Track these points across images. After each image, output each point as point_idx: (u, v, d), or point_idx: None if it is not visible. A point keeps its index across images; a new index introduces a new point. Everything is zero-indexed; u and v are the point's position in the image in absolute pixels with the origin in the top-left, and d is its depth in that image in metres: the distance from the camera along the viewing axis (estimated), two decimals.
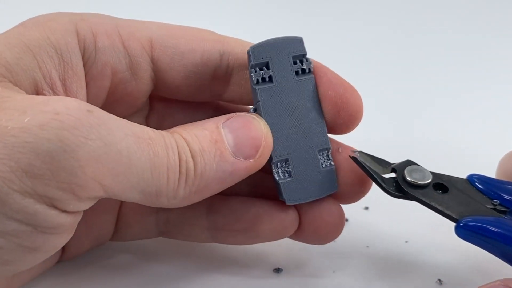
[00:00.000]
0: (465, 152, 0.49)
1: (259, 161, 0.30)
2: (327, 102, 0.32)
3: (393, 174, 0.32)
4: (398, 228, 0.39)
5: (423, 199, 0.31)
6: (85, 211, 0.28)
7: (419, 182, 0.31)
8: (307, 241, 0.34)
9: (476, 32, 0.64)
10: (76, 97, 0.30)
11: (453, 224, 0.31)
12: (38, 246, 0.26)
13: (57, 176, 0.25)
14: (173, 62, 0.32)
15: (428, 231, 0.39)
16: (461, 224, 0.29)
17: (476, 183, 0.32)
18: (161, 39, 0.32)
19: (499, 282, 0.28)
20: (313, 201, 0.33)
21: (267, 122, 0.31)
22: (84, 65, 0.30)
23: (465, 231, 0.29)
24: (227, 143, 0.29)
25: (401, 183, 0.31)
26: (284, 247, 0.37)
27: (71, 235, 0.28)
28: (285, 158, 0.32)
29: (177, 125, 0.30)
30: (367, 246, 0.38)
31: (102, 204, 0.30)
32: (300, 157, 0.32)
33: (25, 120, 0.24)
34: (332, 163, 0.33)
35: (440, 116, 0.55)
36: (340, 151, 0.34)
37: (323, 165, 0.33)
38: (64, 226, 0.26)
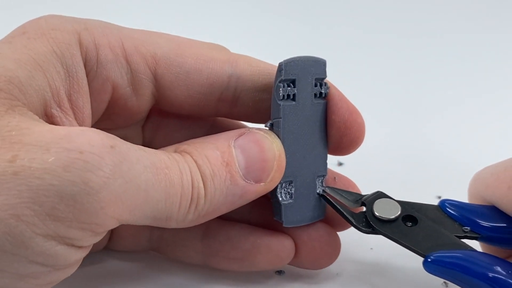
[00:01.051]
0: (463, 161, 0.48)
1: (270, 185, 0.30)
2: (331, 126, 0.32)
3: (363, 208, 0.32)
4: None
5: (391, 235, 0.31)
6: None
7: (387, 217, 0.31)
8: (302, 267, 0.34)
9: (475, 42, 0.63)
10: (82, 113, 0.29)
11: None
12: (51, 282, 0.26)
13: (79, 218, 0.25)
14: (177, 81, 0.31)
15: None
16: (428, 260, 0.30)
17: (448, 210, 0.32)
18: (166, 56, 0.31)
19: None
20: (311, 231, 0.33)
21: (284, 140, 0.31)
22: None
23: (432, 266, 0.30)
24: (237, 165, 0.29)
25: (370, 219, 0.31)
26: None
27: (79, 264, 0.28)
28: (290, 179, 0.32)
29: (171, 135, 0.30)
30: (371, 248, 0.38)
31: None
32: (302, 180, 0.32)
33: (49, 160, 0.24)
34: (326, 190, 0.33)
35: (437, 125, 0.54)
36: (336, 180, 0.34)
37: (318, 191, 0.33)
38: (79, 260, 0.27)
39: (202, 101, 0.32)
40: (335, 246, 0.33)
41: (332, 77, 0.33)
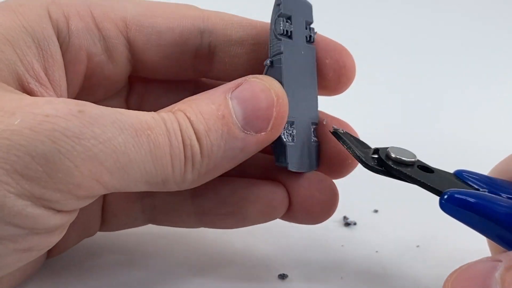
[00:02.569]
0: (475, 149, 0.48)
1: (272, 133, 0.29)
2: (327, 69, 0.32)
3: (375, 156, 0.31)
4: (409, 232, 0.39)
5: (407, 173, 0.29)
6: None
7: (404, 159, 0.30)
8: (299, 221, 0.33)
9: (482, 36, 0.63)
10: (60, 86, 0.29)
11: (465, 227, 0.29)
12: (32, 247, 0.26)
13: (54, 178, 0.24)
14: (150, 42, 0.31)
15: (440, 235, 0.39)
16: (445, 196, 0.27)
17: (466, 176, 0.30)
18: (136, 18, 0.31)
19: (487, 258, 0.26)
20: (302, 178, 0.32)
21: (286, 78, 0.30)
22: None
23: (450, 203, 0.27)
24: (235, 117, 0.28)
25: (385, 159, 0.30)
26: (289, 252, 0.37)
27: (64, 232, 0.28)
28: (291, 120, 0.31)
29: (157, 102, 0.30)
30: (377, 251, 0.38)
31: None
32: (301, 124, 0.31)
33: (15, 122, 0.24)
34: (317, 140, 0.32)
35: (451, 112, 0.54)
36: (324, 123, 0.33)
37: (312, 140, 0.32)
38: (59, 226, 0.26)
39: (178, 60, 0.32)
40: (329, 193, 0.32)
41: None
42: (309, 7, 0.32)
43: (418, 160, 0.30)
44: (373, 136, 0.34)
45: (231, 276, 0.34)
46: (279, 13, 0.30)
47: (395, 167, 0.29)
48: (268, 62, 0.30)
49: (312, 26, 0.32)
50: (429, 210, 0.32)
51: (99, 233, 0.35)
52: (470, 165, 0.33)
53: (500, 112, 0.54)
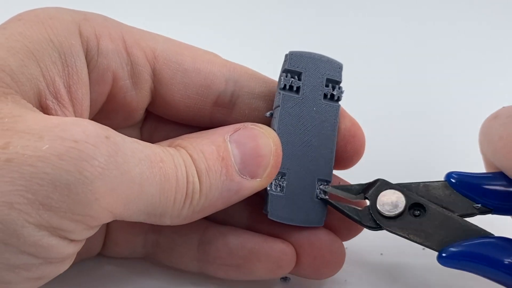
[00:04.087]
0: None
1: (266, 181, 0.30)
2: (347, 152, 0.33)
3: (367, 202, 0.32)
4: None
5: (400, 233, 0.31)
6: None
7: (393, 213, 0.31)
8: (305, 276, 0.34)
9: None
10: (81, 105, 0.29)
11: None
12: (44, 276, 0.26)
13: (74, 209, 0.24)
14: (175, 78, 0.31)
15: None
16: (443, 255, 0.30)
17: (455, 185, 0.31)
18: (165, 52, 0.31)
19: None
20: (314, 237, 0.32)
21: (279, 129, 0.31)
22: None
23: (448, 261, 0.30)
24: (233, 160, 0.29)
25: (375, 217, 0.31)
26: None
27: (73, 260, 0.28)
28: (283, 171, 0.31)
29: (169, 137, 0.30)
30: (381, 253, 0.37)
31: None
32: (298, 177, 0.32)
33: (43, 148, 0.24)
34: (327, 197, 0.32)
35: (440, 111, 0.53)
36: (340, 184, 0.34)
37: (318, 196, 0.32)
38: (71, 254, 0.27)
39: (198, 103, 0.32)
40: (338, 255, 0.33)
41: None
42: (335, 66, 0.32)
43: (408, 197, 0.31)
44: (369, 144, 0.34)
45: (226, 280, 0.34)
46: (283, 68, 0.31)
47: (386, 226, 0.31)
48: (267, 114, 0.32)
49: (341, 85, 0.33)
50: None
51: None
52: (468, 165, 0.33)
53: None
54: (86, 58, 0.29)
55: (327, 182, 0.32)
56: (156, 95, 0.32)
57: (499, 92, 0.52)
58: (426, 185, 0.31)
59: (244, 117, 0.32)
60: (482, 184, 0.31)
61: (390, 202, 0.31)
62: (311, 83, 0.32)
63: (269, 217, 0.31)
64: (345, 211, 0.31)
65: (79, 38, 0.29)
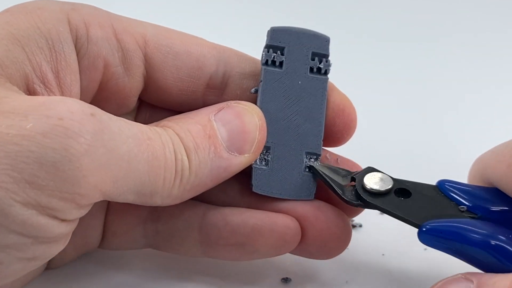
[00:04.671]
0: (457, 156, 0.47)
1: (253, 155, 0.31)
2: (336, 126, 0.33)
3: (353, 183, 0.32)
4: (416, 235, 0.36)
5: (382, 206, 0.30)
6: None
7: (379, 189, 0.31)
8: (310, 255, 0.33)
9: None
10: (70, 91, 0.29)
11: None
12: (37, 256, 0.26)
13: (61, 187, 0.24)
14: (166, 61, 0.32)
15: None
16: (423, 230, 0.29)
17: (446, 189, 0.31)
18: (156, 36, 0.32)
19: (461, 275, 0.28)
20: (319, 212, 0.32)
21: (262, 104, 0.31)
22: (76, 56, 0.30)
23: (428, 237, 0.29)
24: (220, 138, 0.29)
25: (360, 192, 0.31)
26: (293, 255, 0.35)
27: (67, 241, 0.28)
28: (267, 145, 0.32)
29: None
30: (383, 254, 0.37)
31: None
32: (284, 151, 0.32)
33: (28, 127, 0.24)
34: (315, 164, 0.32)
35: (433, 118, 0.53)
36: (338, 161, 0.34)
37: (306, 169, 0.32)
38: (63, 235, 0.27)
39: (191, 85, 0.32)
40: (345, 229, 0.32)
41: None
42: (322, 39, 0.32)
43: (395, 181, 0.31)
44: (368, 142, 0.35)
45: (233, 279, 0.34)
46: (265, 44, 0.32)
47: (370, 201, 0.31)
48: (253, 90, 0.32)
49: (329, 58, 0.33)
50: None
51: (98, 250, 0.35)
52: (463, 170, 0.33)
53: (497, 116, 0.54)
54: (75, 46, 0.30)
55: (316, 155, 0.32)
56: (148, 81, 0.32)
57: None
58: (415, 183, 0.32)
59: (236, 98, 0.32)
60: (473, 195, 0.31)
61: (377, 179, 0.31)
62: (294, 57, 0.32)
63: (253, 190, 0.32)
64: (330, 182, 0.31)
65: (68, 26, 0.29)
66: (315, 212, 0.32)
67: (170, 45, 0.32)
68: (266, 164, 0.32)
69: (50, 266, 0.33)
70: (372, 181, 0.31)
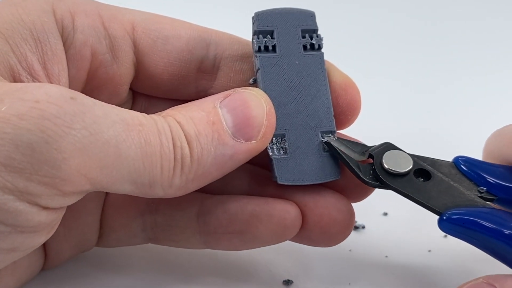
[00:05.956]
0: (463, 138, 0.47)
1: (262, 142, 0.29)
2: (339, 107, 0.32)
3: (370, 161, 0.31)
4: (420, 236, 0.38)
5: (403, 190, 0.30)
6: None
7: (398, 171, 0.30)
8: (313, 242, 0.33)
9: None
10: (58, 81, 0.29)
11: None
12: (17, 247, 0.25)
13: (39, 170, 0.24)
14: (156, 46, 0.31)
15: (453, 240, 0.36)
16: (444, 218, 0.29)
17: (462, 167, 0.31)
18: (144, 22, 0.31)
19: (482, 280, 0.28)
20: (318, 197, 0.31)
21: (266, 92, 0.31)
22: (63, 46, 0.30)
23: (449, 225, 0.29)
24: (225, 124, 0.28)
25: (379, 172, 0.30)
26: (295, 257, 0.36)
27: (51, 233, 0.27)
28: (281, 133, 0.31)
29: None
30: (386, 256, 0.37)
31: (81, 205, 0.29)
32: (299, 135, 0.31)
33: (2, 109, 0.24)
34: (329, 140, 0.32)
35: (440, 105, 0.54)
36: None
37: (325, 149, 0.32)
38: (45, 224, 0.26)
39: (182, 70, 0.32)
40: (346, 213, 0.32)
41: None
42: (308, 15, 0.32)
43: (414, 161, 0.30)
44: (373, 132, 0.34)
45: (234, 281, 0.34)
46: (253, 31, 0.31)
47: (389, 182, 0.30)
48: (251, 81, 0.32)
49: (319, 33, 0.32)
50: None
51: (96, 249, 0.35)
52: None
53: (504, 106, 0.54)
54: (62, 35, 0.29)
55: (332, 132, 0.32)
56: (139, 67, 0.32)
57: None
58: (433, 160, 0.31)
59: (230, 81, 0.32)
60: (490, 173, 0.31)
61: (397, 160, 0.30)
62: (286, 38, 0.31)
63: (279, 182, 0.31)
64: (347, 160, 0.30)
65: (53, 17, 0.29)
66: (314, 197, 0.31)
67: (159, 29, 0.31)
68: (285, 153, 0.31)
69: (46, 266, 0.33)
70: (391, 161, 0.30)
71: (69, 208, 0.26)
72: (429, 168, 0.31)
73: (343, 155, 0.31)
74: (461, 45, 0.63)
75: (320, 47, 0.32)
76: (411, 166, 0.30)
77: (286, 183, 0.31)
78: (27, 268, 0.31)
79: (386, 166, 0.30)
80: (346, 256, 0.35)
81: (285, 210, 0.31)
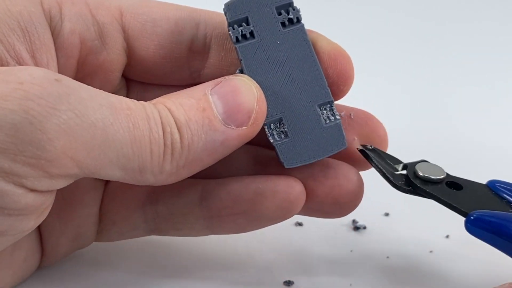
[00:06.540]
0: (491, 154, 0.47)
1: (253, 128, 0.29)
2: (329, 77, 0.31)
3: (404, 172, 0.32)
4: (422, 237, 0.38)
5: (432, 192, 0.30)
6: (58, 204, 0.27)
7: (431, 177, 0.31)
8: (325, 214, 0.33)
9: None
10: (48, 69, 0.29)
11: None
12: (5, 230, 0.25)
13: (24, 151, 0.24)
14: (145, 30, 0.31)
15: (454, 240, 0.38)
16: (471, 218, 0.29)
17: (497, 189, 0.31)
18: (132, 6, 0.31)
19: (508, 285, 0.28)
20: (327, 169, 0.31)
21: (255, 80, 0.30)
22: (51, 35, 0.30)
23: (475, 226, 0.29)
24: (216, 111, 0.28)
25: (412, 178, 0.31)
26: (296, 257, 0.36)
27: (42, 218, 0.27)
28: (278, 117, 0.31)
29: None
30: (388, 257, 0.37)
31: (77, 196, 0.29)
32: (296, 114, 0.31)
33: None
34: (338, 117, 0.31)
35: (468, 115, 0.53)
36: (352, 117, 0.33)
37: (326, 121, 0.31)
38: (33, 207, 0.25)
39: (173, 52, 0.32)
40: (356, 181, 0.32)
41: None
42: None
43: (448, 175, 0.31)
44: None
45: (235, 282, 0.34)
46: (228, 23, 0.31)
47: (421, 186, 0.30)
48: (237, 71, 0.31)
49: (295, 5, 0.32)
50: (443, 213, 0.31)
51: (93, 246, 0.35)
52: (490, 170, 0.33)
53: (504, 106, 0.54)
54: (50, 25, 0.29)
55: (329, 102, 0.31)
56: (130, 53, 0.32)
57: None
58: (466, 180, 0.32)
59: (222, 60, 0.32)
60: None
61: (431, 169, 0.31)
62: (261, 20, 0.31)
63: (286, 167, 0.31)
64: (378, 166, 0.31)
65: (40, 6, 0.29)
66: (323, 169, 0.31)
67: (146, 13, 0.31)
68: (286, 136, 0.31)
69: (44, 262, 0.33)
70: (425, 169, 0.31)
71: (65, 200, 0.26)
72: (461, 180, 0.31)
73: (376, 163, 0.31)
74: (461, 45, 0.63)
75: (299, 20, 0.31)
76: (444, 175, 0.31)
77: (293, 166, 0.31)
78: (24, 262, 0.30)
79: (420, 173, 0.31)
80: (347, 256, 0.35)
81: (289, 185, 0.31)
